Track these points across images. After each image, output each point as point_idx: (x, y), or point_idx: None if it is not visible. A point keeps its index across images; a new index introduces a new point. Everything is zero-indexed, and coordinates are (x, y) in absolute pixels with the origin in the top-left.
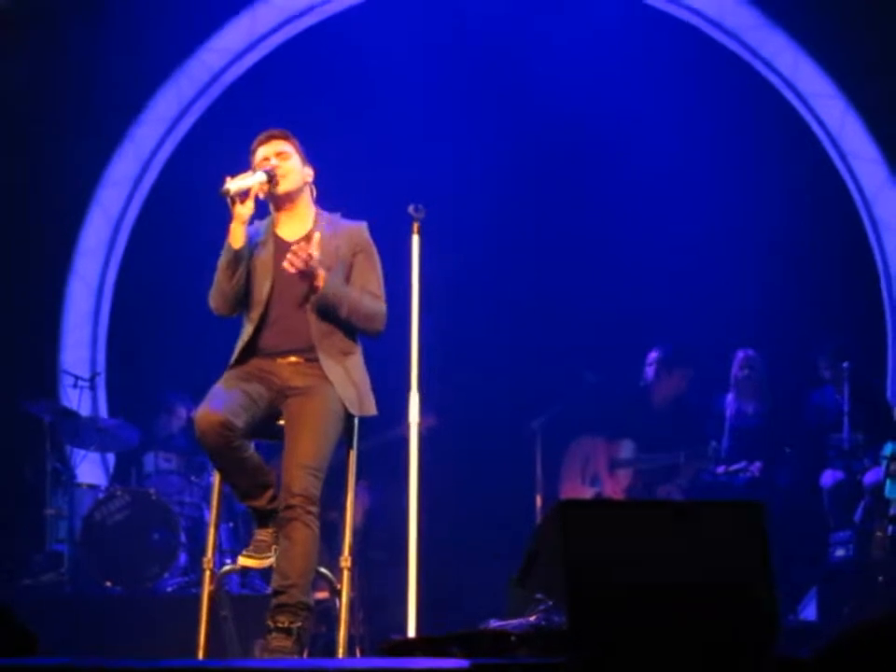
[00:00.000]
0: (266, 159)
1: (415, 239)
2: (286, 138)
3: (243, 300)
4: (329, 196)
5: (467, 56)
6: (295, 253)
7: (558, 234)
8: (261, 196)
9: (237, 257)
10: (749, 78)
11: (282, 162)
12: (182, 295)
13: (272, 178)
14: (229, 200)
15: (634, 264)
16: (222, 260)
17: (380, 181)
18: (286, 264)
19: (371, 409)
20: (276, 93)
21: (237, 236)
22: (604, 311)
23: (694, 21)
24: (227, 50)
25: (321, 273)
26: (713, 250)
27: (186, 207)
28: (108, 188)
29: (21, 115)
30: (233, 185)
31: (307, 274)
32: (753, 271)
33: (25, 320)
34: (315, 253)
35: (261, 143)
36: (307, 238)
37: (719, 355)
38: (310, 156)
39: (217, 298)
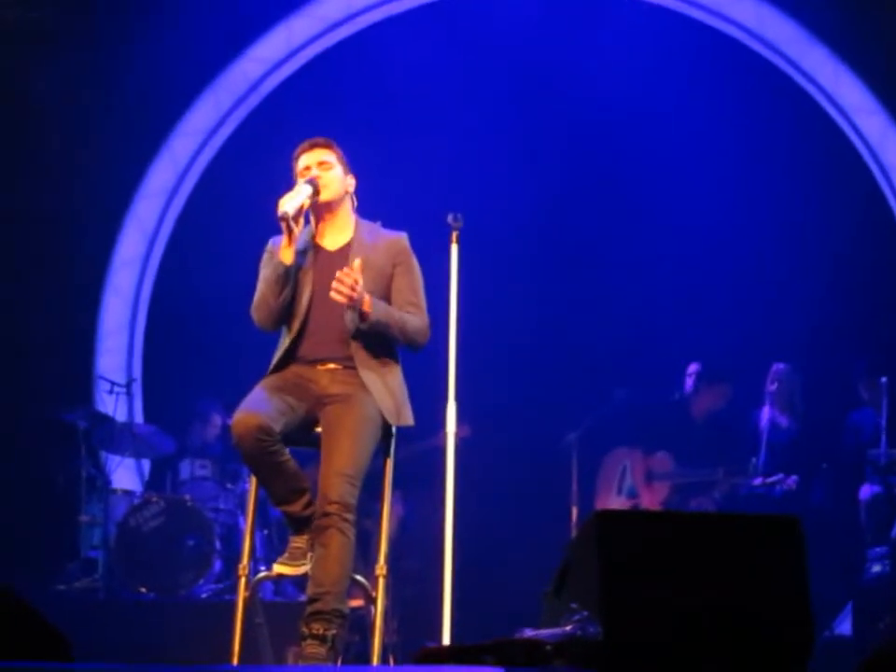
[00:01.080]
0: (308, 168)
1: (454, 248)
2: (328, 147)
3: (285, 311)
4: (367, 206)
5: (505, 66)
6: (341, 281)
7: (595, 246)
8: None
9: (287, 274)
10: (790, 91)
11: (323, 172)
12: (218, 305)
13: (316, 189)
14: (284, 224)
15: (673, 276)
16: (270, 277)
17: (418, 190)
18: (333, 294)
19: (409, 419)
20: (314, 103)
21: (289, 254)
22: (642, 322)
23: (736, 33)
24: (265, 60)
25: (367, 298)
26: (752, 264)
27: (221, 219)
28: (144, 199)
29: (58, 126)
30: (290, 206)
31: (355, 301)
32: (792, 285)
33: (61, 328)
34: (360, 278)
35: (304, 151)
36: (348, 247)
37: (759, 369)
38: (349, 165)
39: (262, 312)
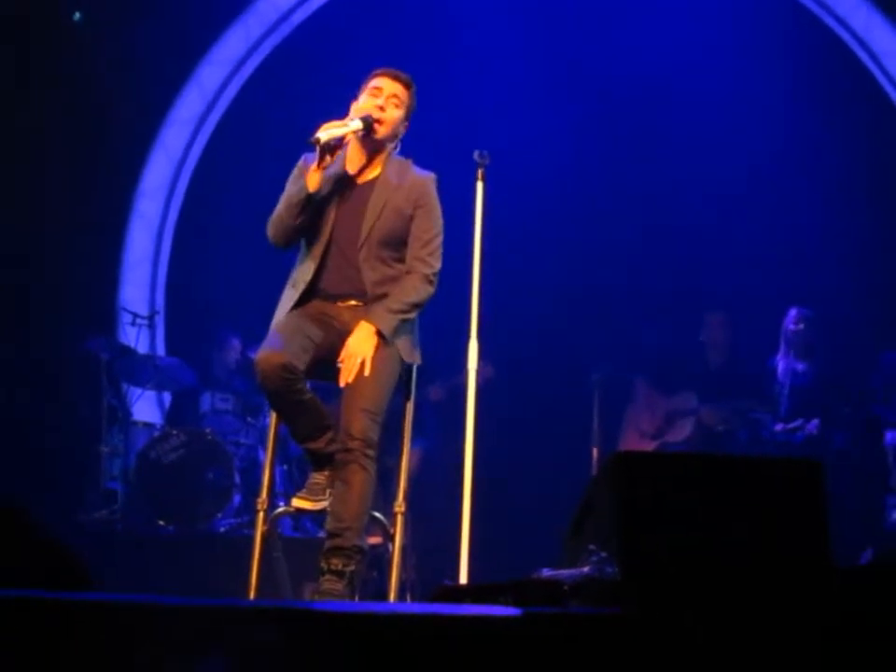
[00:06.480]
0: (379, 89)
1: (479, 185)
2: (408, 88)
3: (302, 233)
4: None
5: (548, 4)
6: (349, 371)
7: (622, 187)
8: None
9: (309, 199)
10: (822, 36)
11: (390, 108)
12: (242, 236)
13: (368, 127)
14: (318, 148)
15: (700, 218)
16: (293, 197)
17: (444, 127)
18: (342, 382)
19: (418, 358)
20: (344, 34)
21: (315, 180)
22: (666, 264)
23: None
24: None
25: (371, 341)
26: (775, 209)
27: (248, 149)
28: (171, 127)
29: (85, 54)
30: (325, 134)
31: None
32: (815, 231)
33: (85, 258)
34: (368, 362)
35: (386, 75)
36: (373, 184)
37: (779, 313)
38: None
39: (277, 229)
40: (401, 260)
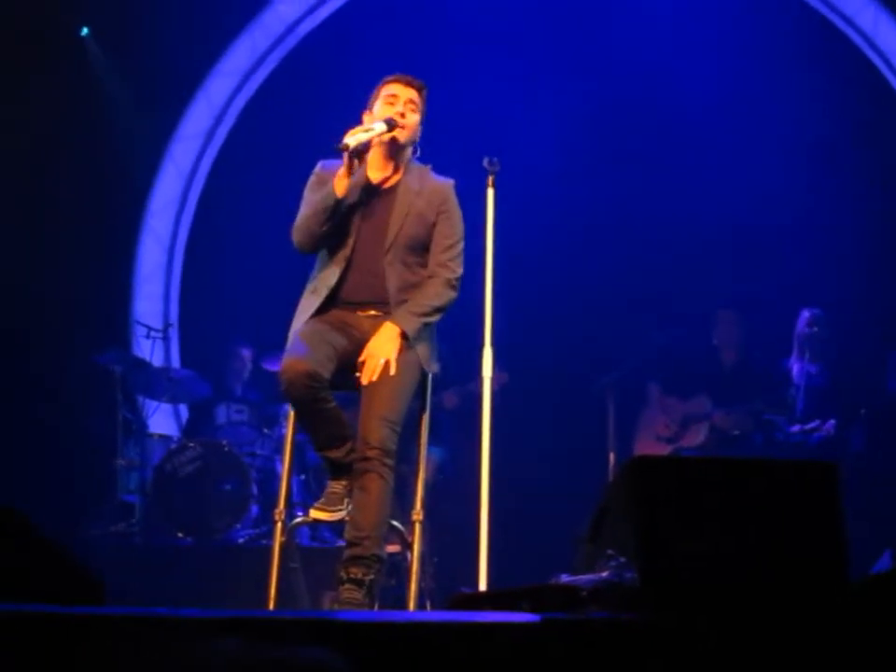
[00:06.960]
0: (396, 96)
1: (490, 192)
2: (421, 91)
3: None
4: None
5: (545, 6)
6: (372, 371)
7: (632, 190)
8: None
9: (337, 206)
10: (829, 35)
11: (409, 114)
12: (254, 248)
13: (392, 127)
14: (346, 155)
15: (711, 221)
16: (318, 204)
17: (454, 134)
18: (364, 380)
19: (436, 368)
20: (352, 45)
21: (342, 187)
22: (678, 267)
23: None
24: (302, 2)
25: (395, 343)
26: (784, 209)
27: (258, 161)
28: (181, 142)
29: (94, 68)
30: (353, 139)
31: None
32: (826, 228)
33: (98, 272)
34: (392, 363)
35: (399, 82)
36: (395, 189)
37: (791, 312)
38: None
39: (303, 236)
40: (424, 266)
